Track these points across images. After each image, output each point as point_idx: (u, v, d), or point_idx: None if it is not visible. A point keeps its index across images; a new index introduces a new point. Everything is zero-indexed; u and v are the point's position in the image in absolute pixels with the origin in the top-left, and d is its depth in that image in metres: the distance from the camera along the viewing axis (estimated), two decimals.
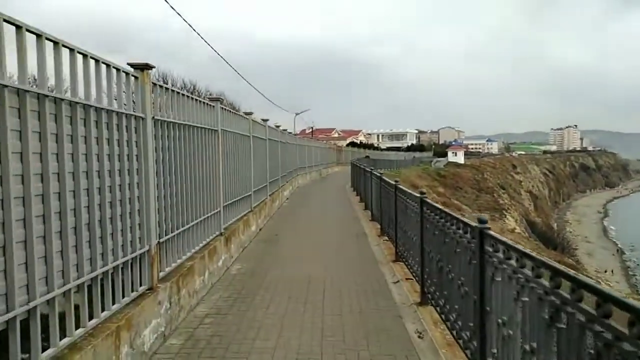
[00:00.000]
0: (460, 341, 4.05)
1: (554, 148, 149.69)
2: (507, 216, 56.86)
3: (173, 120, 5.33)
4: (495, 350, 3.22)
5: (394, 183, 7.77)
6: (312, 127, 60.21)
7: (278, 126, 15.98)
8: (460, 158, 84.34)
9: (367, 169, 13.23)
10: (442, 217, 4.67)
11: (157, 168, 4.88)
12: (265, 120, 13.02)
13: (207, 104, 6.96)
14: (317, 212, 14.19)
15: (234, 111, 8.84)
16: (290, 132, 21.35)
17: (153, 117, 4.67)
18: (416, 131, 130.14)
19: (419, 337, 4.79)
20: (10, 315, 2.63)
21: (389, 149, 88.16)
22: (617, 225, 78.21)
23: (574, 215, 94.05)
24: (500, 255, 3.11)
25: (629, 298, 2.05)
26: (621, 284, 44.95)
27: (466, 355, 3.90)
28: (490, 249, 3.26)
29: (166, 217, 5.12)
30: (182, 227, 5.59)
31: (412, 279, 6.53)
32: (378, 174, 10.31)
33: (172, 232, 5.25)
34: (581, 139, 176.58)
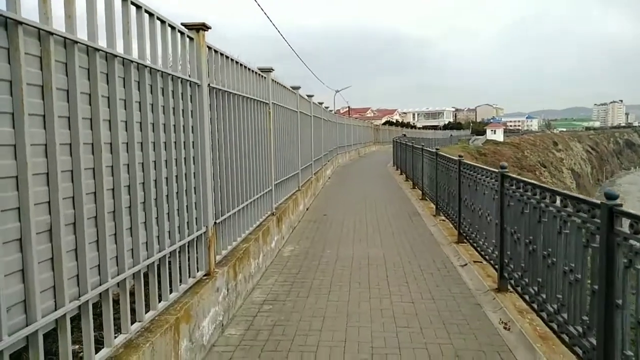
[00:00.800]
0: (565, 336, 3.45)
1: (597, 124, 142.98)
2: None
3: (228, 90, 4.85)
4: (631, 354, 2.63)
5: (457, 159, 7.11)
6: (348, 106, 59.20)
7: (321, 103, 15.38)
8: (499, 136, 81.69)
9: (417, 146, 12.52)
10: (537, 193, 4.03)
11: (213, 142, 4.43)
12: (310, 97, 12.46)
13: (260, 74, 6.45)
14: (363, 190, 13.62)
15: (282, 84, 8.32)
16: (330, 110, 20.72)
17: (209, 85, 4.19)
18: (453, 109, 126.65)
19: (505, 328, 4.21)
20: (60, 312, 2.21)
21: (424, 127, 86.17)
22: None
23: (618, 191, 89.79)
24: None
25: None
26: None
27: (575, 352, 3.31)
28: (627, 232, 2.63)
29: (222, 195, 4.68)
30: (237, 206, 5.15)
31: (481, 262, 5.92)
32: (433, 151, 9.62)
33: (227, 212, 4.81)
34: (627, 114, 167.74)
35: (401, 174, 17.56)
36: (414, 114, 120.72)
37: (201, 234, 4.06)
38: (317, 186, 13.05)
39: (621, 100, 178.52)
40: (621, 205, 2.74)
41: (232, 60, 5.01)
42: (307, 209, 10.26)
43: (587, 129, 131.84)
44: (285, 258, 6.50)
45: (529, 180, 4.32)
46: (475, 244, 6.23)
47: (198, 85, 3.94)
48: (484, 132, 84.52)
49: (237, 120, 5.23)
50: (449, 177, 7.97)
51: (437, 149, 9.38)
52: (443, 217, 8.74)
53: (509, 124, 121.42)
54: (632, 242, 2.58)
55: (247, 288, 5.10)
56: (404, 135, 36.22)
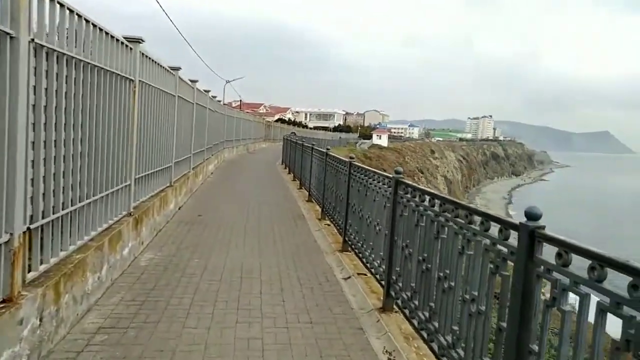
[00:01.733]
0: None
1: (469, 136, 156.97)
2: None
3: (68, 53, 3.66)
4: None
5: (348, 160, 6.52)
6: (240, 100, 57.42)
7: (208, 91, 14.11)
8: (384, 141, 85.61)
9: (307, 145, 11.90)
10: (436, 204, 3.49)
11: (35, 118, 3.25)
12: (194, 82, 11.21)
13: (123, 42, 5.24)
14: (247, 189, 12.69)
15: (157, 62, 7.08)
16: (219, 101, 19.40)
17: (33, 40, 3.02)
18: (343, 112, 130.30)
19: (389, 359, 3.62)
20: None
21: (315, 128, 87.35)
22: (519, 210, 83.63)
23: (482, 200, 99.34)
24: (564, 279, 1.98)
25: None
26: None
27: None
28: (551, 263, 2.09)
29: (46, 190, 3.49)
30: (72, 205, 3.96)
31: (365, 274, 5.37)
32: (324, 150, 9.02)
33: (54, 213, 3.62)
34: (494, 128, 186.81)
35: (289, 173, 16.93)
36: (306, 114, 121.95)
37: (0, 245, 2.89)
38: (196, 182, 11.84)
39: (491, 116, 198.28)
40: (544, 227, 2.20)
41: (77, 14, 3.81)
42: (179, 208, 9.07)
43: (461, 140, 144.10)
44: (140, 269, 5.36)
45: (428, 189, 3.78)
46: (360, 254, 5.67)
47: (11, 37, 2.78)
48: (370, 137, 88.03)
49: (83, 95, 4.03)
50: (337, 179, 7.39)
51: (327, 149, 8.80)
52: (329, 222, 8.18)
53: (393, 130, 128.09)
54: (557, 275, 2.05)
55: (79, 311, 3.93)
56: (294, 133, 35.91)
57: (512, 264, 2.38)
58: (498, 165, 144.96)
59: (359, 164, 6.23)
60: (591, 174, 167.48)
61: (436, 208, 3.47)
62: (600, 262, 1.78)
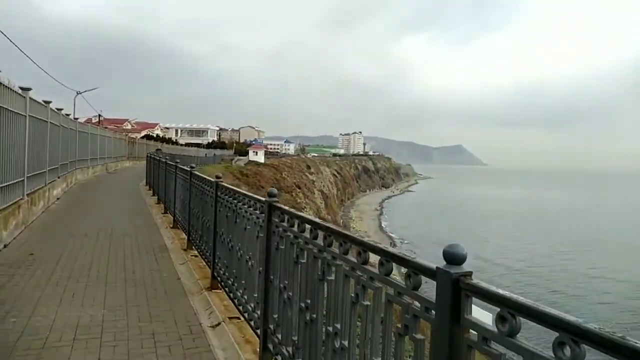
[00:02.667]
0: None
1: (342, 151, 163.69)
2: None
3: None
4: None
5: (214, 180, 5.60)
6: (99, 115, 52.36)
7: (48, 102, 12.06)
8: (260, 157, 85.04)
9: (171, 163, 10.64)
10: (319, 236, 2.79)
11: None
12: (26, 90, 9.36)
13: None
14: (100, 216, 10.99)
15: None
16: (68, 115, 17.02)
17: None
18: (217, 128, 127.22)
19: None
20: None
21: (188, 144, 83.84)
22: (389, 221, 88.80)
23: (356, 212, 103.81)
24: None
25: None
26: (395, 274, 50.28)
27: None
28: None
29: None
30: None
31: (239, 318, 4.52)
32: (187, 169, 7.95)
33: None
34: (364, 144, 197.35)
35: (153, 194, 15.31)
36: (177, 130, 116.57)
37: None
38: (33, 212, 9.89)
39: (360, 132, 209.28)
40: (471, 274, 1.60)
41: None
42: (5, 247, 7.31)
43: (334, 155, 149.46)
44: None
45: (309, 217, 3.08)
46: (232, 294, 4.79)
47: None
48: (246, 153, 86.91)
49: None
50: (204, 203, 6.42)
51: (191, 167, 7.77)
52: (196, 252, 7.14)
53: (269, 146, 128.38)
54: (500, 348, 1.44)
55: None
56: (159, 149, 33.57)
57: (429, 323, 1.75)
58: (369, 178, 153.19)
59: (227, 185, 5.37)
60: (449, 184, 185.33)
61: (319, 241, 2.78)
62: (575, 336, 1.20)
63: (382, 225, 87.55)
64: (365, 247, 2.28)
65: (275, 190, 3.75)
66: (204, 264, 6.43)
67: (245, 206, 4.39)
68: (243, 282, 4.38)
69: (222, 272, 5.24)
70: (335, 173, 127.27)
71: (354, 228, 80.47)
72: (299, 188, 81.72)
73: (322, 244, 2.72)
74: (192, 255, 7.14)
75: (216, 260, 5.50)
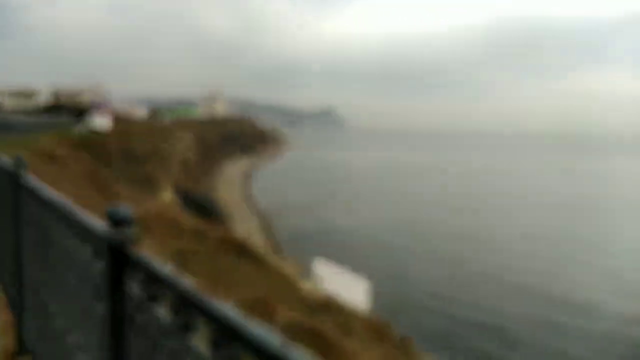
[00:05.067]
0: None
1: (203, 115, 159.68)
2: (163, 188, 57.25)
3: None
4: None
5: (12, 168, 3.91)
6: None
7: None
8: (106, 122, 79.18)
9: None
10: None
11: None
12: None
13: None
14: None
15: None
16: None
17: None
18: (52, 89, 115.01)
19: None
20: None
21: (14, 111, 74.84)
22: (258, 188, 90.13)
23: (222, 180, 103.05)
24: None
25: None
26: (264, 242, 51.57)
27: None
28: None
29: None
30: None
31: None
32: None
33: None
34: (228, 107, 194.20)
35: None
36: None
37: None
38: None
39: (223, 93, 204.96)
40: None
41: None
42: None
43: (194, 119, 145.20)
44: None
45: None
46: None
47: None
48: (89, 117, 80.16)
49: None
50: None
51: None
52: None
53: (118, 109, 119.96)
54: None
55: None
56: None
57: None
58: (235, 144, 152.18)
59: (36, 181, 3.42)
60: (319, 147, 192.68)
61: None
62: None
63: (250, 193, 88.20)
64: None
65: (128, 212, 1.89)
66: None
67: (65, 239, 2.61)
68: None
69: (34, 344, 3.49)
70: (196, 139, 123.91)
71: (220, 197, 79.77)
72: (154, 156, 78.23)
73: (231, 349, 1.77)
74: None
75: (22, 322, 3.71)
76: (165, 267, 1.57)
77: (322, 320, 15.56)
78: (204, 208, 55.88)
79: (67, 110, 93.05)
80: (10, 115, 55.96)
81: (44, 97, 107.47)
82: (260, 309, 7.43)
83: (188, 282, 1.43)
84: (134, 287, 1.79)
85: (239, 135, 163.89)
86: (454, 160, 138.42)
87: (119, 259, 1.85)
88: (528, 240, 46.47)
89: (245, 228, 57.29)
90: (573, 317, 29.68)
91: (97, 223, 2.12)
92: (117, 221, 1.85)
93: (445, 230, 50.41)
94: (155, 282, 1.64)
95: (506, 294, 33.62)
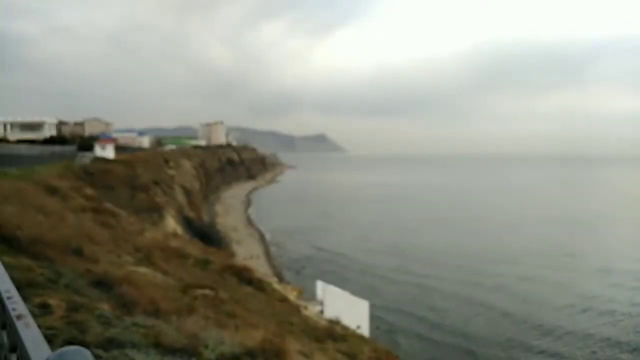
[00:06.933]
0: None
1: (203, 143, 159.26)
2: (166, 216, 56.48)
3: None
4: None
5: None
6: None
7: None
8: (109, 152, 78.65)
9: None
10: None
11: None
12: None
13: None
14: None
15: None
16: None
17: None
18: (56, 121, 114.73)
19: None
20: None
21: (20, 141, 74.44)
22: (258, 213, 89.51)
23: (222, 206, 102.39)
24: None
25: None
26: (265, 267, 50.77)
27: None
28: None
29: None
30: None
31: None
32: None
33: None
34: (227, 134, 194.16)
35: None
36: (5, 125, 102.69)
37: None
38: None
39: (222, 122, 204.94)
40: None
41: None
42: None
43: (195, 147, 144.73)
44: None
45: None
46: None
47: None
48: (92, 148, 79.61)
49: None
50: None
51: None
52: None
53: (120, 140, 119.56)
54: None
55: None
56: None
57: None
58: (234, 170, 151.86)
59: None
60: (313, 172, 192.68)
61: None
62: None
63: (250, 218, 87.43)
64: None
65: None
66: None
67: None
68: None
69: None
70: (197, 166, 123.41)
71: (221, 223, 79.05)
72: (158, 184, 77.54)
73: None
74: None
75: None
76: None
77: (328, 349, 14.85)
78: (207, 235, 55.11)
79: (71, 141, 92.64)
80: (14, 146, 55.48)
81: (47, 129, 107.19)
82: (271, 350, 6.80)
83: None
84: None
85: (240, 161, 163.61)
86: (444, 182, 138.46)
87: None
88: (531, 263, 45.89)
89: (247, 252, 56.61)
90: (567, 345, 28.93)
91: None
92: None
93: (443, 248, 49.77)
94: None
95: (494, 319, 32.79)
